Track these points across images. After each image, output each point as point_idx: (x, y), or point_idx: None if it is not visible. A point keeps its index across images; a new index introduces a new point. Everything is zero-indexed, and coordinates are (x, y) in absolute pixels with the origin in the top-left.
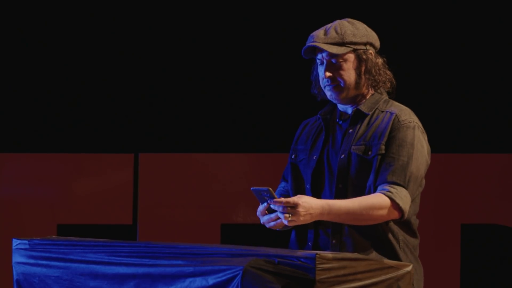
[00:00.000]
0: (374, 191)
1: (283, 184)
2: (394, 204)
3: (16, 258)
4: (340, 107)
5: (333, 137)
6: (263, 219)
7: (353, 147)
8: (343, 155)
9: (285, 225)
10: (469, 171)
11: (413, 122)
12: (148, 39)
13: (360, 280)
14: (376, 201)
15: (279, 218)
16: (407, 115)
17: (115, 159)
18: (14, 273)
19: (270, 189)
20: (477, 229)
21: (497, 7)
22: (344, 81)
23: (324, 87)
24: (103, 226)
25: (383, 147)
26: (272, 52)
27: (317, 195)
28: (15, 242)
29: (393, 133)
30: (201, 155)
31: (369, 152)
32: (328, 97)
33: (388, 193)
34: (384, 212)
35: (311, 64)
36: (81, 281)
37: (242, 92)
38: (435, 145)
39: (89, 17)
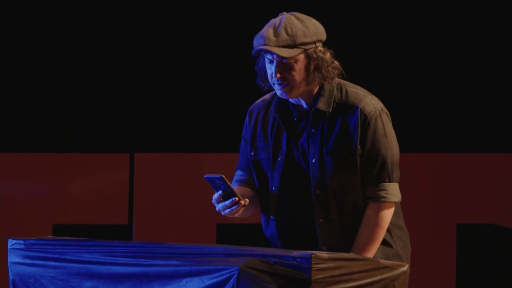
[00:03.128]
0: (363, 193)
1: (240, 173)
2: (390, 203)
3: (12, 258)
4: (292, 100)
5: (295, 138)
6: (218, 207)
7: (326, 150)
8: (314, 159)
9: (242, 213)
10: (465, 171)
11: (378, 109)
12: (144, 40)
13: (355, 280)
14: (376, 220)
15: (234, 204)
16: (369, 105)
17: (110, 159)
18: (10, 273)
19: (223, 176)
20: (473, 229)
21: (498, 5)
22: (295, 81)
23: (273, 84)
24: (98, 226)
25: (359, 146)
26: None
27: (285, 197)
28: (10, 242)
29: (364, 129)
30: (196, 155)
31: (345, 154)
32: (278, 94)
33: (382, 199)
34: (387, 218)
35: None
36: (77, 281)
37: (238, 91)
38: (431, 145)
39: (88, 18)
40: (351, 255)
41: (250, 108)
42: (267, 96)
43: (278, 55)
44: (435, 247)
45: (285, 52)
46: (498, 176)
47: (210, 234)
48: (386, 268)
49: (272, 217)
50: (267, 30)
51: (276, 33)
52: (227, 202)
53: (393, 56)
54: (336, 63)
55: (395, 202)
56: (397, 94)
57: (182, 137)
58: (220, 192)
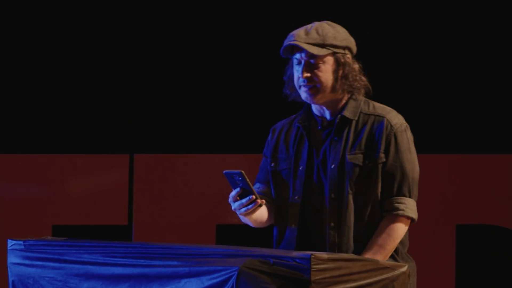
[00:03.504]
0: (381, 203)
1: (258, 185)
2: (407, 218)
3: (11, 259)
4: (316, 110)
5: (317, 146)
6: (234, 205)
7: (348, 156)
8: (333, 165)
9: (260, 222)
10: (465, 171)
11: (403, 124)
12: (144, 40)
13: (355, 280)
14: (388, 230)
15: (251, 203)
16: (396, 118)
17: (110, 160)
18: (9, 274)
19: (243, 172)
20: (472, 230)
21: (499, 4)
22: (321, 82)
23: (300, 87)
24: (98, 226)
25: (382, 155)
26: (269, 52)
27: (304, 206)
28: (10, 242)
29: (389, 140)
30: (196, 156)
31: (367, 161)
32: (303, 98)
33: (400, 212)
34: (400, 231)
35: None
36: (75, 282)
37: (238, 92)
38: (431, 146)
39: (88, 18)
40: (350, 255)
41: (273, 127)
42: (293, 115)
43: (306, 53)
44: (434, 248)
45: (314, 50)
46: (497, 177)
47: (210, 235)
48: (385, 268)
49: (292, 227)
50: (298, 30)
51: (306, 32)
52: (243, 200)
53: (391, 57)
54: (364, 77)
55: (411, 218)
56: (395, 95)
57: (182, 138)
58: (238, 189)
